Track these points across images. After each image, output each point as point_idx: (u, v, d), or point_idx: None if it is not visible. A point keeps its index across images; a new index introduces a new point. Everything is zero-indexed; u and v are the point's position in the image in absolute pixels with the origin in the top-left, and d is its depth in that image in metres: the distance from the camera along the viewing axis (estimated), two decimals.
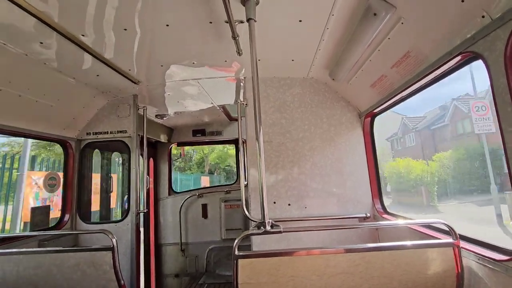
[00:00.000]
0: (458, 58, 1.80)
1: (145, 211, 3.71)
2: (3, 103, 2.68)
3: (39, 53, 2.46)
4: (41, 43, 2.30)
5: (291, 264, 1.77)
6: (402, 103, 2.85)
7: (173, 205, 5.62)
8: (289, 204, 3.30)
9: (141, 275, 4.18)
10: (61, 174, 3.67)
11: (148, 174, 5.34)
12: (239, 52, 2.53)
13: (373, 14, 1.96)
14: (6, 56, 2.36)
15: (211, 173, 30.20)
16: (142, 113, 4.06)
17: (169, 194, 5.74)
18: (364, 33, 2.19)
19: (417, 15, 1.87)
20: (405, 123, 34.27)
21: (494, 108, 1.50)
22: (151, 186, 5.60)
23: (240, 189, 3.32)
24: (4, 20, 1.98)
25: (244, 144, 4.29)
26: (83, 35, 2.27)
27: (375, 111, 3.20)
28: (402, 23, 1.98)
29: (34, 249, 2.28)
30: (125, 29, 2.25)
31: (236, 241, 1.77)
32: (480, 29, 1.55)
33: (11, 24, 2.04)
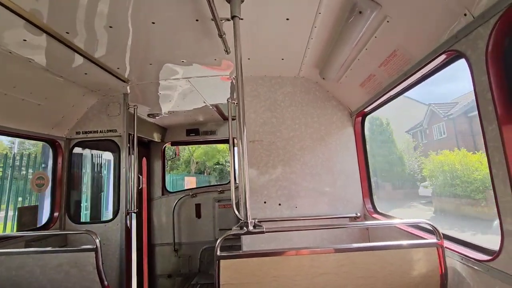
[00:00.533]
0: (443, 57, 1.79)
1: (136, 211, 3.68)
2: None
3: (24, 51, 2.43)
4: (25, 40, 2.26)
5: (274, 265, 1.76)
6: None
7: (167, 205, 5.58)
8: (279, 204, 3.29)
9: (133, 276, 4.14)
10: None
11: (140, 173, 5.31)
12: (226, 51, 2.51)
13: (359, 12, 1.95)
14: None
15: (200, 172, 27.48)
16: (133, 112, 4.03)
17: (163, 194, 5.71)
18: (351, 31, 2.17)
19: (402, 13, 1.86)
20: (433, 110, 26.49)
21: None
22: (144, 186, 5.57)
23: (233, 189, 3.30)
24: None
25: (234, 145, 4.27)
26: (67, 33, 2.24)
27: (365, 110, 3.19)
28: (387, 21, 1.97)
29: (17, 250, 2.25)
30: (111, 27, 2.22)
31: (218, 241, 1.75)
32: (463, 27, 1.54)
33: None
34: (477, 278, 1.59)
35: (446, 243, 1.85)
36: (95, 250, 2.08)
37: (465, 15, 1.49)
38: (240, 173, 3.27)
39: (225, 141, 6.26)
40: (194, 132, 5.95)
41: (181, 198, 5.57)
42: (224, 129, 5.98)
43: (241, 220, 2.89)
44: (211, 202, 5.55)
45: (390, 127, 24.58)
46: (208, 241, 5.45)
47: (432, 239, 1.88)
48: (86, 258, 2.10)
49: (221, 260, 1.72)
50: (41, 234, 3.04)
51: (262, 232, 1.79)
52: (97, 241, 2.10)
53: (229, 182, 6.17)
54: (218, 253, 1.72)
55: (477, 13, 1.43)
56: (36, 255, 2.15)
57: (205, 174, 27.98)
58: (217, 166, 26.87)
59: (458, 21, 1.55)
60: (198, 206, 5.59)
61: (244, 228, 1.78)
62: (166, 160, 6.39)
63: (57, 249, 2.14)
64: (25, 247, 2.99)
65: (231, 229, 1.84)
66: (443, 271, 1.75)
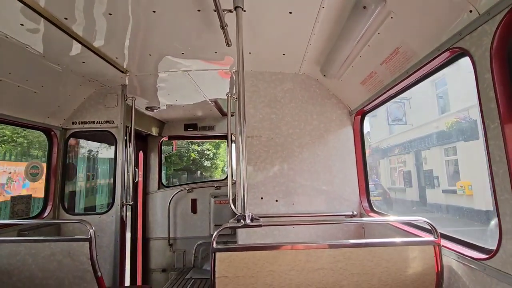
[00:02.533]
0: (446, 54, 1.78)
1: (131, 203, 3.64)
2: None
3: (21, 36, 2.37)
4: (22, 25, 2.21)
5: (270, 259, 1.74)
6: None
7: (162, 199, 5.55)
8: (276, 200, 3.28)
9: (126, 269, 4.11)
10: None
11: (136, 167, 5.27)
12: (228, 43, 2.48)
13: (363, 7, 1.93)
14: None
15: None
16: (131, 105, 3.98)
17: (159, 188, 5.68)
18: (354, 27, 2.15)
19: (407, 9, 1.84)
20: None
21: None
22: (140, 179, 5.53)
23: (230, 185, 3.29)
24: None
25: (233, 141, 4.25)
26: (66, 18, 2.20)
27: (365, 108, 3.18)
28: (391, 17, 1.95)
29: (9, 238, 2.22)
30: (110, 14, 2.18)
31: (214, 234, 1.73)
32: (467, 24, 1.52)
33: None
34: (473, 276, 1.59)
35: (442, 242, 1.85)
36: (89, 240, 2.05)
37: (470, 11, 1.48)
38: (238, 168, 3.27)
39: (223, 137, 6.23)
40: (192, 127, 5.92)
41: (177, 192, 5.54)
42: (222, 125, 5.95)
43: (238, 214, 2.89)
44: (207, 198, 5.53)
45: None
46: (203, 237, 5.44)
47: (428, 237, 1.87)
48: (79, 248, 2.07)
49: (217, 253, 1.70)
50: (35, 222, 2.99)
51: (260, 226, 1.78)
52: (91, 231, 2.07)
53: (226, 178, 6.17)
54: (215, 245, 1.71)
55: (482, 9, 1.42)
56: (28, 243, 2.12)
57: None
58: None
59: (463, 18, 1.54)
60: (194, 201, 5.57)
61: (242, 221, 1.76)
62: (162, 154, 6.36)
63: (50, 238, 2.10)
64: (18, 236, 2.95)
65: (218, 228, 1.81)
66: (439, 269, 1.75)
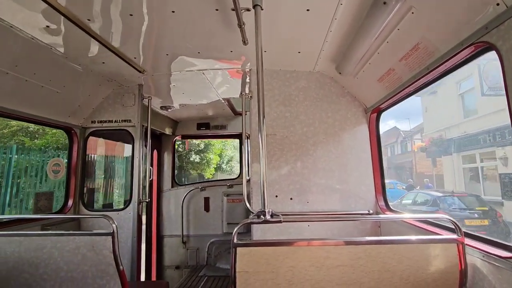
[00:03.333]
0: (471, 49, 1.74)
1: (147, 200, 3.72)
2: (10, 87, 2.70)
3: (46, 37, 2.47)
4: (47, 26, 2.30)
5: (290, 255, 1.75)
6: None
7: (176, 197, 5.64)
8: (291, 199, 3.28)
9: (142, 265, 4.20)
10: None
11: (151, 165, 5.37)
12: (244, 41, 2.50)
13: (383, 3, 1.91)
14: (13, 39, 2.37)
15: None
16: (147, 104, 4.06)
17: (172, 186, 5.76)
18: (373, 23, 2.13)
19: (428, 3, 1.81)
20: None
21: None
22: (155, 177, 5.63)
23: (242, 183, 3.31)
24: (14, 2, 1.99)
25: (248, 139, 4.27)
26: (89, 20, 2.27)
27: (381, 106, 3.15)
28: (412, 12, 1.92)
29: (36, 232, 2.30)
30: (131, 15, 2.24)
31: (235, 229, 1.75)
32: (494, 17, 1.49)
33: (19, 7, 2.04)
34: (499, 275, 1.56)
35: (466, 240, 1.81)
36: (112, 234, 2.10)
37: (497, 4, 1.45)
38: (254, 166, 3.29)
39: (235, 136, 6.27)
40: (204, 126, 5.98)
41: (190, 191, 5.62)
42: (234, 124, 5.98)
43: (253, 213, 2.91)
44: (220, 196, 5.58)
45: None
46: (216, 235, 5.49)
47: (451, 235, 1.84)
48: (102, 242, 2.13)
49: (237, 248, 1.72)
50: (59, 217, 3.10)
51: (280, 222, 1.79)
52: (114, 226, 2.13)
53: (238, 177, 6.21)
54: (235, 240, 1.73)
55: (510, 2, 1.38)
56: (54, 237, 2.19)
57: None
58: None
59: (489, 11, 1.51)
60: (206, 200, 5.63)
61: (262, 217, 1.78)
62: (175, 153, 6.45)
63: (74, 232, 2.18)
64: (41, 231, 3.06)
65: (239, 223, 1.83)
66: (463, 267, 1.72)
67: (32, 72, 2.76)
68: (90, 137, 3.87)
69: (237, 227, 1.76)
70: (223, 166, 18.08)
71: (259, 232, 3.17)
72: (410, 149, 29.40)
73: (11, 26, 2.24)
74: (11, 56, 2.51)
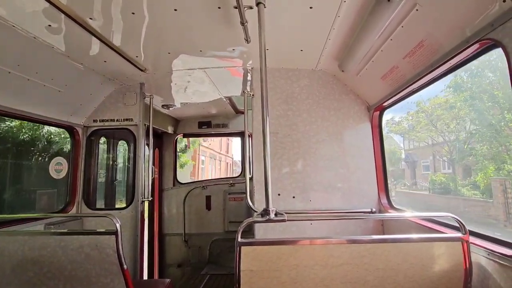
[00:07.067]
0: (476, 46, 1.73)
1: (150, 199, 3.73)
2: (12, 86, 2.70)
3: (48, 36, 2.46)
4: (49, 25, 2.29)
5: (294, 253, 1.75)
6: None
7: (178, 196, 5.64)
8: (293, 197, 3.28)
9: (144, 263, 4.22)
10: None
11: (153, 164, 5.37)
12: (247, 40, 2.49)
13: (387, 0, 1.90)
14: (15, 38, 2.36)
15: None
16: (149, 103, 4.05)
17: (174, 185, 5.77)
18: (377, 21, 2.12)
19: (433, 0, 1.79)
20: None
21: None
22: (156, 176, 5.64)
23: (244, 181, 3.30)
24: (16, 1, 1.98)
25: (250, 137, 4.27)
26: (91, 18, 2.26)
27: (384, 104, 3.13)
28: (417, 9, 1.91)
29: (40, 230, 2.31)
30: (133, 13, 2.22)
31: (239, 227, 1.75)
32: (500, 14, 1.48)
33: (21, 6, 2.03)
34: (504, 273, 1.55)
35: (470, 238, 1.81)
36: (115, 233, 2.10)
37: (503, 1, 1.43)
38: (257, 164, 3.28)
39: (237, 134, 6.26)
40: (206, 124, 5.98)
41: (192, 189, 5.62)
42: (236, 122, 5.97)
43: (255, 211, 2.90)
44: (222, 195, 5.58)
45: None
46: (218, 233, 5.50)
47: (455, 234, 1.84)
48: (106, 241, 2.13)
49: (242, 247, 1.72)
50: (63, 216, 3.11)
51: (284, 221, 1.78)
52: (118, 225, 2.13)
53: (239, 175, 6.21)
54: (239, 239, 1.72)
55: None
56: (58, 236, 2.20)
57: None
58: None
59: (495, 8, 1.49)
60: (208, 198, 5.63)
61: (266, 216, 1.77)
62: (177, 152, 6.45)
63: (78, 231, 2.18)
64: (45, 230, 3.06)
65: (241, 222, 1.83)
66: (468, 266, 1.71)
67: (34, 71, 2.75)
68: (92, 136, 3.87)
69: (241, 226, 1.75)
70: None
71: (261, 230, 3.17)
72: None
73: (13, 26, 2.23)
74: (13, 55, 2.50)
